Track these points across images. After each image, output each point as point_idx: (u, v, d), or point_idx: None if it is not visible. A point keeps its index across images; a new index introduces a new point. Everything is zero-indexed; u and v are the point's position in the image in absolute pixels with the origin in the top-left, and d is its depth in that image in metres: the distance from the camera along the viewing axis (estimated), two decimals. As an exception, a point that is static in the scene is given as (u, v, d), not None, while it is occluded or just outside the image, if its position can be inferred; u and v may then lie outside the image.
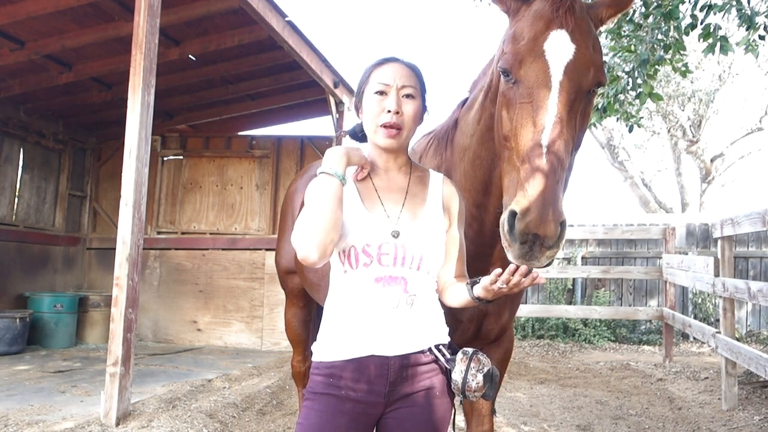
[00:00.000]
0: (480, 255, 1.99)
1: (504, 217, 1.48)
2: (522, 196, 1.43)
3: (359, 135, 1.81)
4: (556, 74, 1.55)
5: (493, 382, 1.58)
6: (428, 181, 1.74)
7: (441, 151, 2.15)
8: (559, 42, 1.57)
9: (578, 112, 1.58)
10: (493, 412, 1.85)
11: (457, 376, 1.57)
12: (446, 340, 1.68)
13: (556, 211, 1.39)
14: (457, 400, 1.67)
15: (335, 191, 1.55)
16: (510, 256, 1.47)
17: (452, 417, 1.72)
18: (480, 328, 2.17)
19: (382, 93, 1.66)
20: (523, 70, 1.59)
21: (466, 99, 2.12)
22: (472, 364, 1.57)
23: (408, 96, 1.66)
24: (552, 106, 1.51)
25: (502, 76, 1.66)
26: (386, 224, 1.62)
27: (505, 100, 1.65)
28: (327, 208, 1.52)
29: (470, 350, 1.60)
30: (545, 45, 1.57)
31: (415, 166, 1.78)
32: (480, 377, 1.56)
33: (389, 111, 1.63)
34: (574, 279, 9.24)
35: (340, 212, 1.55)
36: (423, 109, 1.72)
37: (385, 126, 1.64)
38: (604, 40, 5.27)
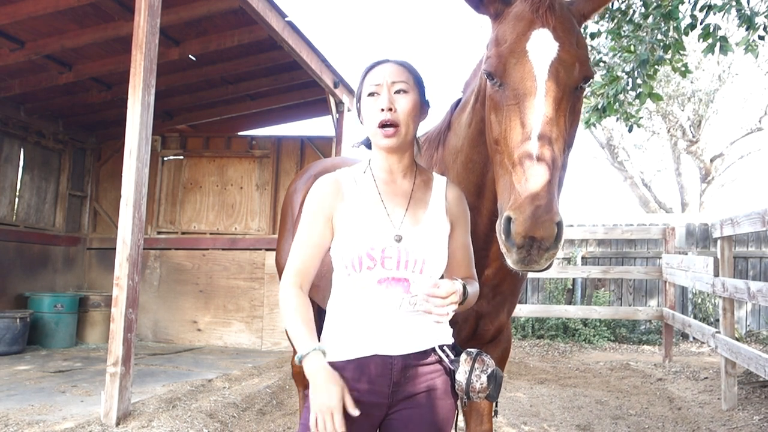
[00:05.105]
0: (474, 257, 1.99)
1: (500, 223, 1.46)
2: (516, 199, 1.41)
3: (371, 144, 1.80)
4: (541, 73, 1.53)
5: (497, 383, 1.57)
6: (432, 184, 1.73)
7: (432, 152, 2.14)
8: (541, 41, 1.56)
9: (567, 110, 1.56)
10: (495, 413, 1.85)
11: (461, 376, 1.57)
12: (450, 341, 1.68)
13: (551, 211, 1.37)
14: (460, 402, 1.66)
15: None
16: (509, 262, 1.46)
17: (455, 418, 1.71)
18: (476, 328, 2.17)
19: (375, 94, 1.65)
20: (508, 72, 1.58)
21: (460, 100, 2.12)
22: (476, 365, 1.56)
23: (400, 91, 1.64)
24: (539, 106, 1.50)
25: (487, 80, 1.65)
26: (389, 229, 1.61)
27: (492, 103, 1.64)
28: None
29: (474, 351, 1.60)
30: (528, 45, 1.56)
31: (420, 169, 1.76)
32: (484, 378, 1.55)
33: (382, 109, 1.62)
34: (574, 279, 9.24)
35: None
36: (422, 103, 1.70)
37: (381, 125, 1.62)
38: (604, 40, 5.28)
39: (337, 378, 1.49)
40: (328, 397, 1.45)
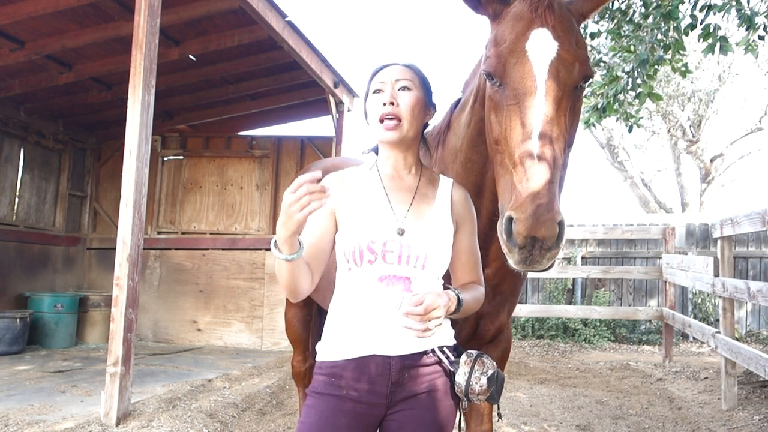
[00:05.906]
0: None
1: (501, 224, 1.46)
2: (517, 199, 1.41)
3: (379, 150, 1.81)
4: (541, 73, 1.53)
5: (498, 385, 1.56)
6: (438, 184, 1.74)
7: (432, 152, 2.14)
8: (541, 40, 1.56)
9: (567, 110, 1.56)
10: (498, 416, 1.83)
11: (460, 378, 1.56)
12: (451, 342, 1.67)
13: (553, 211, 1.36)
14: (461, 404, 1.65)
15: (288, 268, 1.48)
16: (511, 263, 1.45)
17: (458, 419, 1.70)
18: (476, 328, 2.16)
19: (379, 91, 1.68)
20: (508, 72, 1.57)
21: (459, 99, 2.12)
22: (476, 367, 1.56)
23: (404, 88, 1.67)
24: (539, 106, 1.50)
25: (487, 80, 1.65)
26: (392, 222, 1.62)
27: (492, 103, 1.64)
28: (288, 278, 1.51)
29: (474, 353, 1.59)
30: (527, 45, 1.56)
31: (426, 168, 1.78)
32: (484, 380, 1.55)
33: (384, 103, 1.64)
34: (574, 279, 9.24)
35: (305, 274, 1.53)
36: (427, 103, 1.72)
37: (381, 119, 1.64)
38: (604, 40, 5.28)
39: None
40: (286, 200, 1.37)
